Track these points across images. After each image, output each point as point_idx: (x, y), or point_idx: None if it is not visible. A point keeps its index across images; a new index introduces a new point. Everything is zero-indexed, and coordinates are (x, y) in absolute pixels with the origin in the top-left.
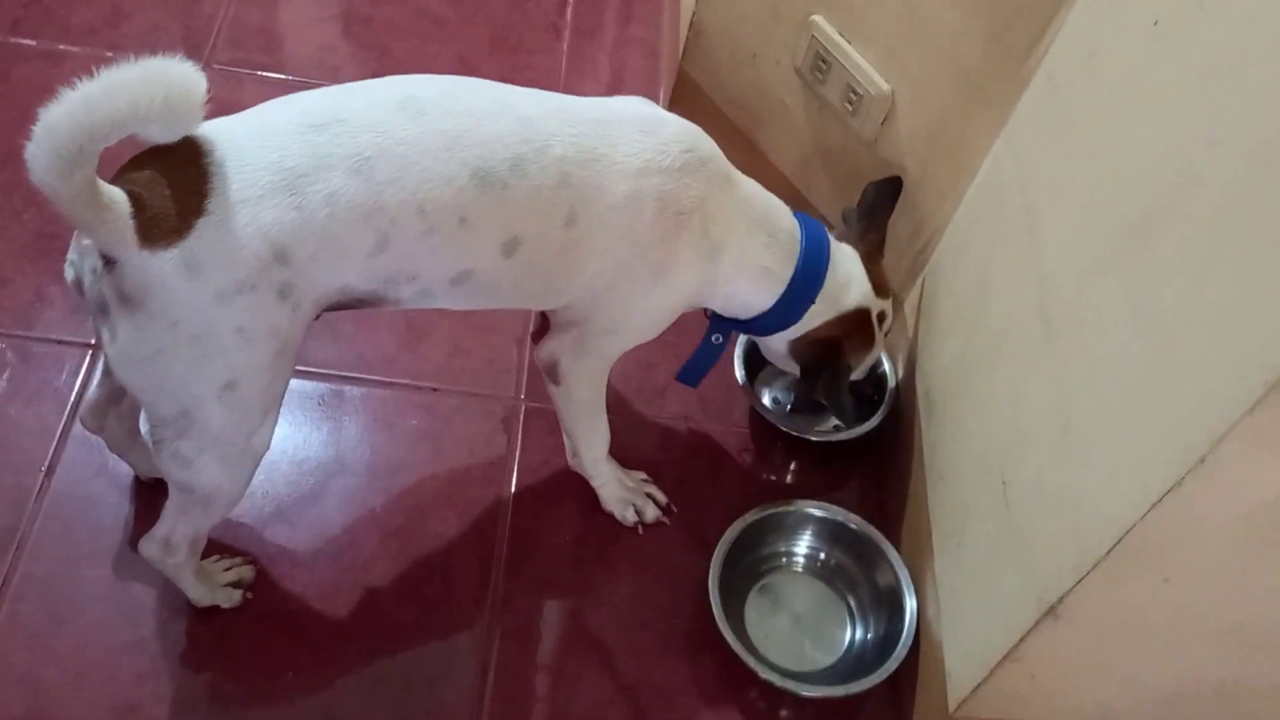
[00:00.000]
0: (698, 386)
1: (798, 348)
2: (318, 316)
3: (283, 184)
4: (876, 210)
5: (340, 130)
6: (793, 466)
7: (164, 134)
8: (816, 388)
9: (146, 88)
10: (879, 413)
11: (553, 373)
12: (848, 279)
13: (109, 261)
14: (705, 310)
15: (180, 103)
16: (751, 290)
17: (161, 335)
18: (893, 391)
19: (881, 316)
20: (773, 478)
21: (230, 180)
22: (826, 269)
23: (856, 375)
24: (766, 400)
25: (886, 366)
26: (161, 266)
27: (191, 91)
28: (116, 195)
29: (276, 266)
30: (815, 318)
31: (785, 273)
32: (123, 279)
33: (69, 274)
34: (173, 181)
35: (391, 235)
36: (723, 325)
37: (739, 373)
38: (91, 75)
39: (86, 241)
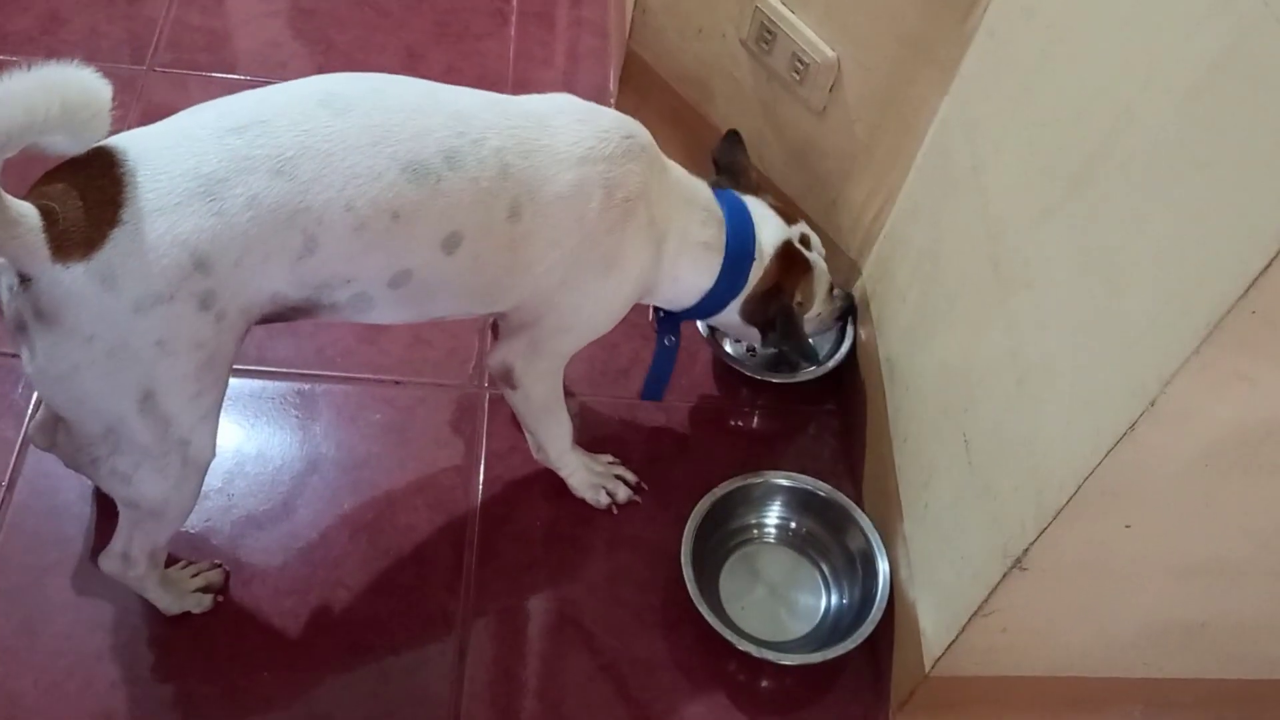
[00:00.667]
0: (662, 399)
1: (747, 310)
2: (254, 327)
3: (200, 190)
4: (734, 159)
5: (260, 131)
6: (761, 438)
7: (70, 144)
8: (779, 340)
9: (43, 95)
10: (838, 354)
11: (507, 378)
12: (761, 223)
13: (24, 278)
14: (650, 319)
15: (80, 110)
16: (695, 270)
17: (78, 350)
18: (850, 333)
19: (804, 240)
20: (741, 451)
21: (146, 189)
22: (754, 227)
23: (818, 307)
24: (729, 348)
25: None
26: (75, 279)
27: (93, 98)
28: (25, 209)
29: (197, 276)
30: (754, 273)
31: (721, 244)
32: (38, 295)
33: None
34: (85, 193)
35: (319, 235)
36: (673, 323)
37: (700, 324)
38: None
39: (1, 260)
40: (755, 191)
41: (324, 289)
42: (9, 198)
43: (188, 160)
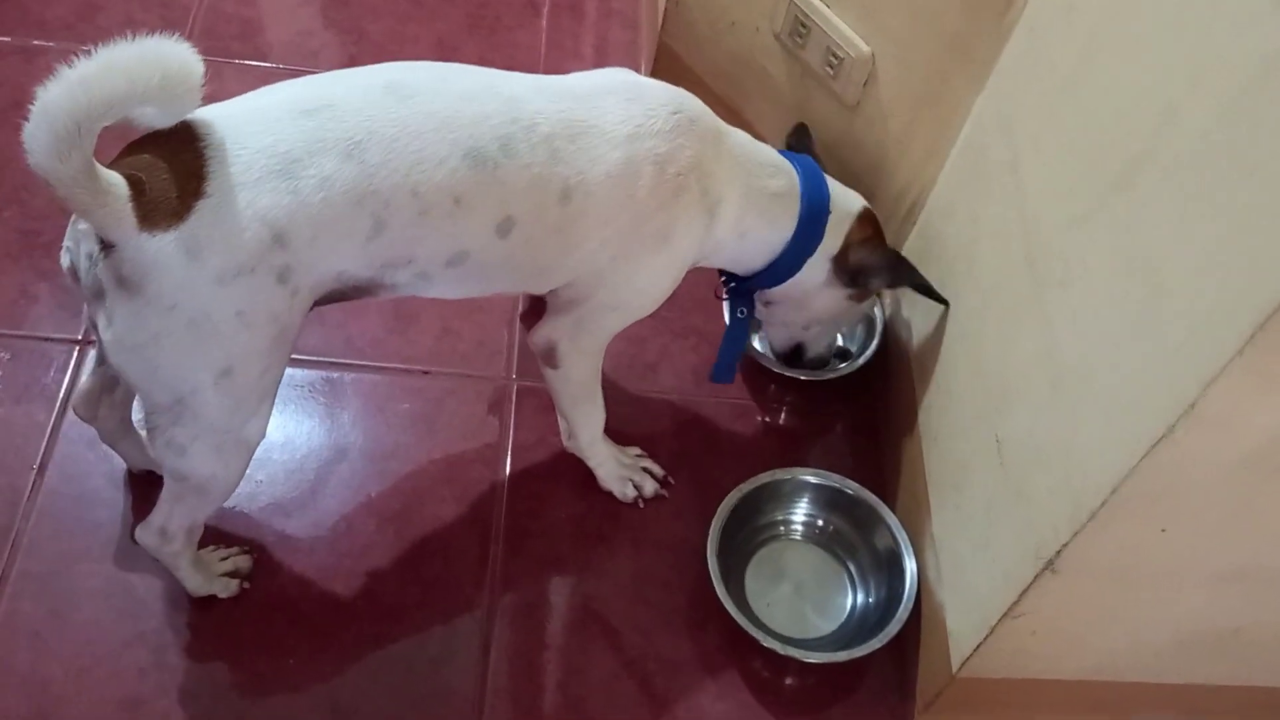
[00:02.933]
0: (733, 381)
1: (845, 257)
2: (312, 308)
3: (278, 168)
4: (804, 149)
5: (331, 115)
6: (789, 435)
7: (161, 117)
8: (895, 279)
9: (144, 66)
10: (867, 351)
11: (550, 356)
12: (836, 187)
13: (106, 246)
14: (718, 292)
15: (178, 83)
16: (767, 222)
17: (159, 319)
18: (881, 331)
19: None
20: (769, 447)
21: (228, 163)
22: (828, 185)
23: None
24: (757, 344)
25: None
26: (161, 248)
27: (189, 72)
28: (114, 178)
29: (275, 250)
30: (838, 227)
31: (795, 193)
32: (121, 263)
33: (65, 260)
34: (171, 164)
35: (387, 218)
36: (745, 293)
37: (727, 317)
38: (86, 57)
39: (83, 226)
40: None
41: (388, 269)
42: (100, 167)
43: (265, 138)
